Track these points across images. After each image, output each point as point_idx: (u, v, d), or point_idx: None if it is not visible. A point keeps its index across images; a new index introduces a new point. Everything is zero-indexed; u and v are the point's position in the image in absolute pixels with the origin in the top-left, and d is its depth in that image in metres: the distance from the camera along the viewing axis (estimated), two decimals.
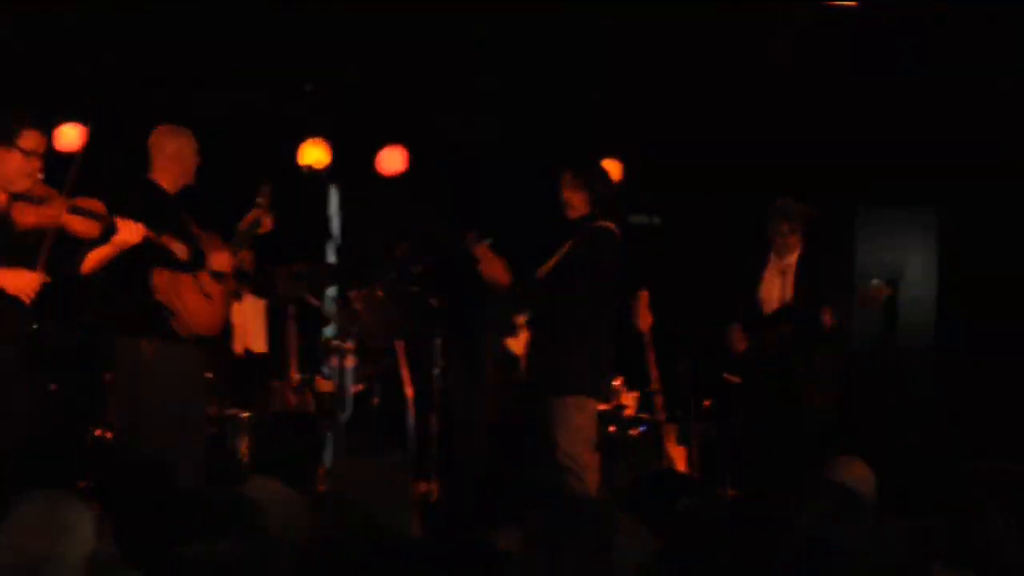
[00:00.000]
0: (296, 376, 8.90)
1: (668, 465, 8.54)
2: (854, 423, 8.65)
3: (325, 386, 9.07)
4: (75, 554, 3.36)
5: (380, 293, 8.90)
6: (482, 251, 7.11)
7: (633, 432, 8.88)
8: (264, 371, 8.97)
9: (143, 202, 6.71)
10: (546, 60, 9.16)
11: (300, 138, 9.84)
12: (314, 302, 9.21)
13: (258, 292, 8.94)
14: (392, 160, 10.14)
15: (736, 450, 8.58)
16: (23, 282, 5.92)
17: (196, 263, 6.84)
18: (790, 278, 8.04)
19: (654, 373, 8.58)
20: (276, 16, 8.79)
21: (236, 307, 8.05)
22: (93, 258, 6.33)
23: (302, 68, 9.46)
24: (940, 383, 9.65)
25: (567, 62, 9.19)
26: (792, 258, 8.07)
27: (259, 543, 3.21)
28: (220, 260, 6.96)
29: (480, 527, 4.42)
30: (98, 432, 7.96)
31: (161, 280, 6.73)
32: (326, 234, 9.55)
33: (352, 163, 10.12)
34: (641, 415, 8.98)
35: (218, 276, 6.94)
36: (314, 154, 9.86)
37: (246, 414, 8.29)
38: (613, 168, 8.83)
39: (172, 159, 6.92)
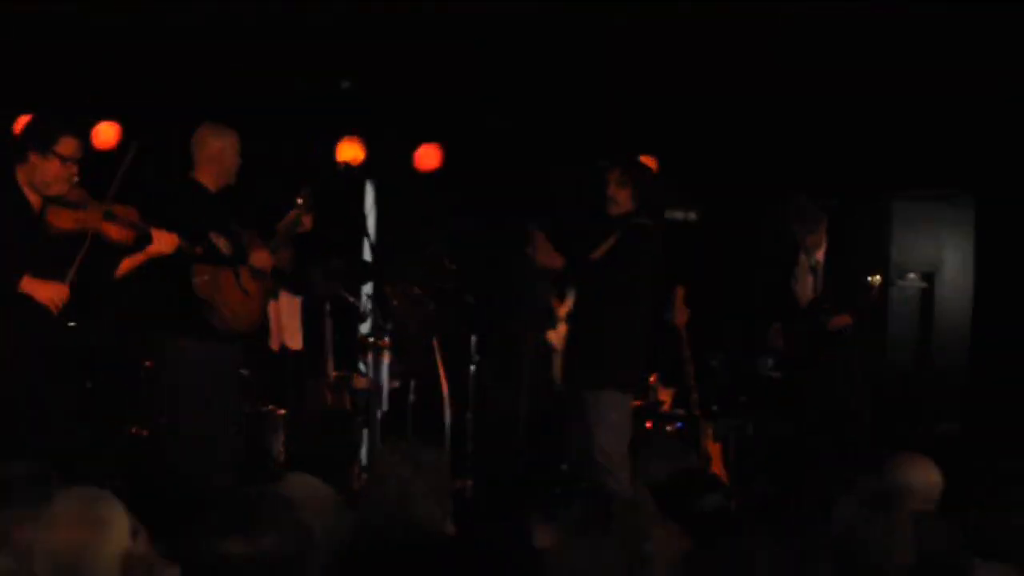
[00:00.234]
0: (332, 373, 8.91)
1: (705, 461, 8.52)
2: (889, 418, 8.62)
3: (361, 383, 9.08)
4: (111, 552, 3.38)
5: (416, 289, 8.92)
6: (540, 238, 7.19)
7: (669, 428, 8.87)
8: (300, 368, 8.98)
9: (185, 201, 6.77)
10: (583, 59, 9.15)
11: (336, 136, 9.86)
12: (350, 299, 9.23)
13: (294, 289, 8.96)
14: (428, 157, 10.16)
15: (772, 446, 8.57)
16: (52, 292, 6.02)
17: (238, 259, 6.89)
18: (821, 275, 8.05)
19: (690, 369, 8.58)
20: (313, 14, 8.81)
21: (272, 304, 8.08)
22: (127, 265, 6.39)
23: (339, 66, 9.48)
24: (977, 378, 9.59)
25: (604, 60, 9.17)
26: (819, 254, 8.07)
27: (296, 540, 3.22)
28: (260, 258, 7.00)
29: (515, 523, 4.43)
30: (134, 430, 8.00)
31: (203, 276, 6.77)
32: (362, 231, 9.56)
33: (388, 160, 10.15)
34: (677, 411, 8.97)
35: (258, 274, 6.98)
36: (350, 151, 9.88)
37: (282, 411, 8.32)
38: (650, 165, 8.83)
39: (214, 159, 6.98)
